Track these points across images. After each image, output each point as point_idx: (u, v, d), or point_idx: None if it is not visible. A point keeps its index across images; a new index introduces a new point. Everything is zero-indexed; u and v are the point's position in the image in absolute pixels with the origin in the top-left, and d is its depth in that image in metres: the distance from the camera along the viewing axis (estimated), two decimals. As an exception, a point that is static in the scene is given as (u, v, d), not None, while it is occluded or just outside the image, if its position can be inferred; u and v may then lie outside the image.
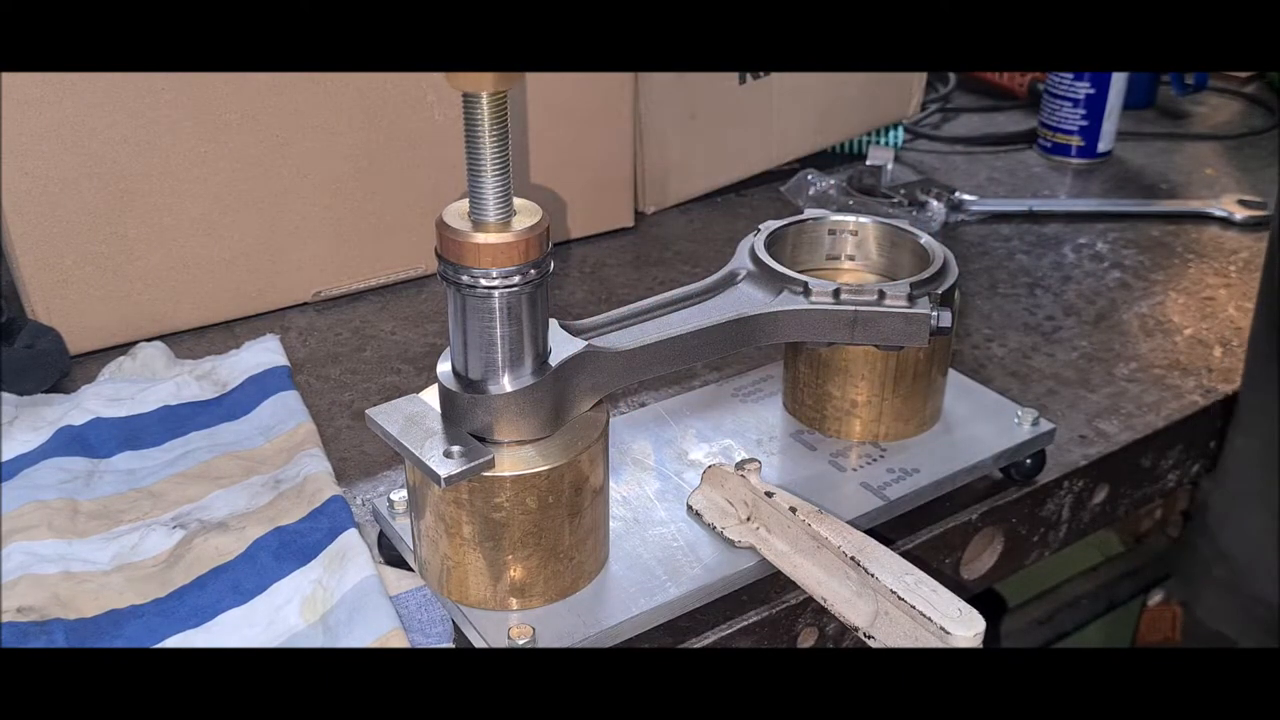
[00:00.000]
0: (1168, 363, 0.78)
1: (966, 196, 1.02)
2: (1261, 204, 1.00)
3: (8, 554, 0.56)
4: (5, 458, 0.63)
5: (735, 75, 0.99)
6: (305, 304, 0.85)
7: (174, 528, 0.58)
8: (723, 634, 0.55)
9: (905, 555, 0.51)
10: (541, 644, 0.50)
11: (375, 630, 0.51)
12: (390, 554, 0.58)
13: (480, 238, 0.46)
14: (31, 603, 0.53)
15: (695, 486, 0.59)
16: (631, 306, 0.56)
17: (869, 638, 0.50)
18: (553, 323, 0.52)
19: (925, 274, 0.58)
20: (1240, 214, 0.99)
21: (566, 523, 0.51)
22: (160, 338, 0.77)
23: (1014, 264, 0.93)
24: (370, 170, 0.82)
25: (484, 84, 0.44)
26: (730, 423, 0.65)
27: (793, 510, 0.53)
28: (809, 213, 0.67)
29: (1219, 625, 0.81)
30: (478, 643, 0.51)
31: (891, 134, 1.15)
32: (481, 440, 0.50)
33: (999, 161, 1.15)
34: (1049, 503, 0.67)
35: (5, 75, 0.68)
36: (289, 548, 0.56)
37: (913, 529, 0.61)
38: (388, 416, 0.51)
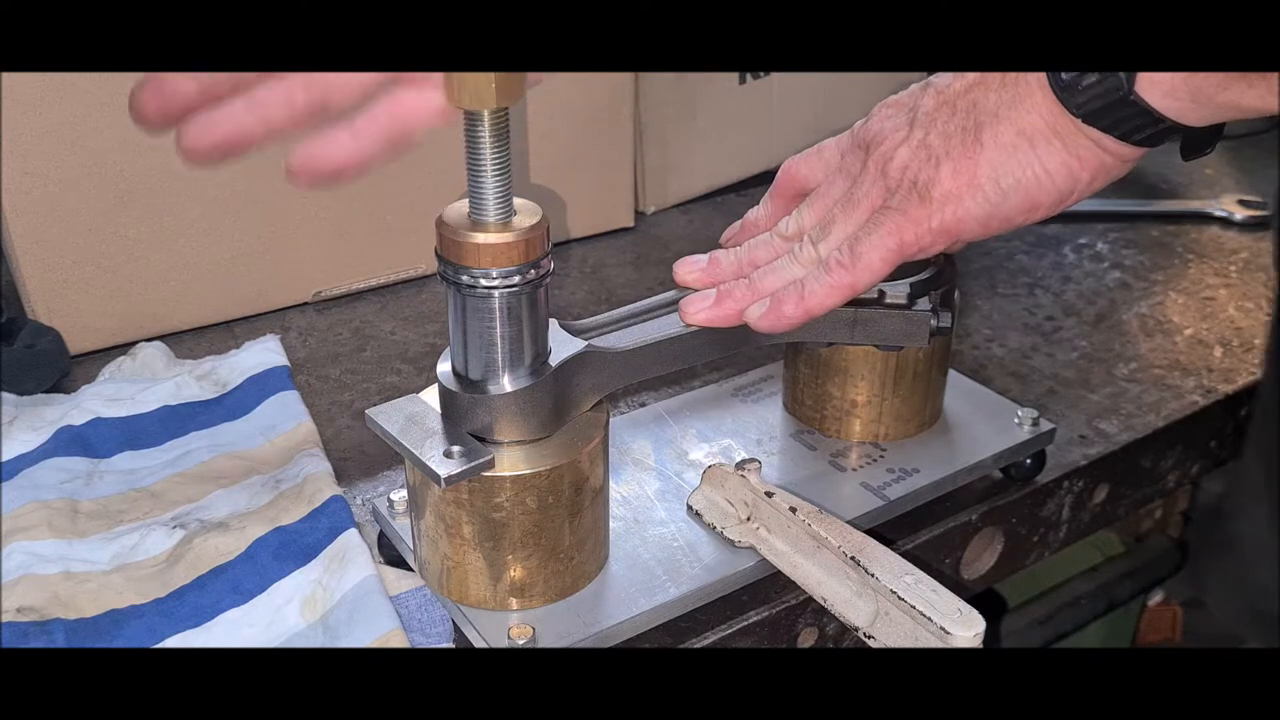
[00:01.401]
0: (1168, 363, 0.78)
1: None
2: (1262, 204, 1.00)
3: (8, 554, 0.56)
4: (5, 458, 0.63)
5: (735, 75, 0.99)
6: (305, 304, 0.85)
7: (174, 528, 0.58)
8: (723, 634, 0.55)
9: (905, 555, 0.51)
10: (541, 644, 0.50)
11: (375, 630, 0.51)
12: (390, 554, 0.58)
13: (480, 238, 0.46)
14: (31, 603, 0.53)
15: (695, 486, 0.59)
16: (631, 306, 0.56)
17: (869, 638, 0.50)
18: (553, 323, 0.52)
19: (925, 274, 0.58)
20: (1240, 214, 0.99)
21: (566, 523, 0.51)
22: (160, 338, 0.77)
23: (1014, 264, 0.93)
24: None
25: (486, 103, 0.44)
26: (730, 423, 0.65)
27: (793, 510, 0.53)
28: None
29: (1207, 592, 0.83)
30: (478, 643, 0.51)
31: (891, 134, 1.14)
32: (481, 440, 0.50)
33: (999, 161, 1.15)
34: (1049, 503, 0.67)
35: (5, 75, 0.68)
36: (289, 548, 0.56)
37: (913, 529, 0.61)
38: (388, 416, 0.51)
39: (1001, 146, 0.48)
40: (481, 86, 0.43)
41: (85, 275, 0.75)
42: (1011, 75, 0.48)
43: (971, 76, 0.50)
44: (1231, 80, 0.43)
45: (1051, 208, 0.49)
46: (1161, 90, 0.44)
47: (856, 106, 1.09)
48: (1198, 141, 0.47)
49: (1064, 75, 0.46)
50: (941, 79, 0.51)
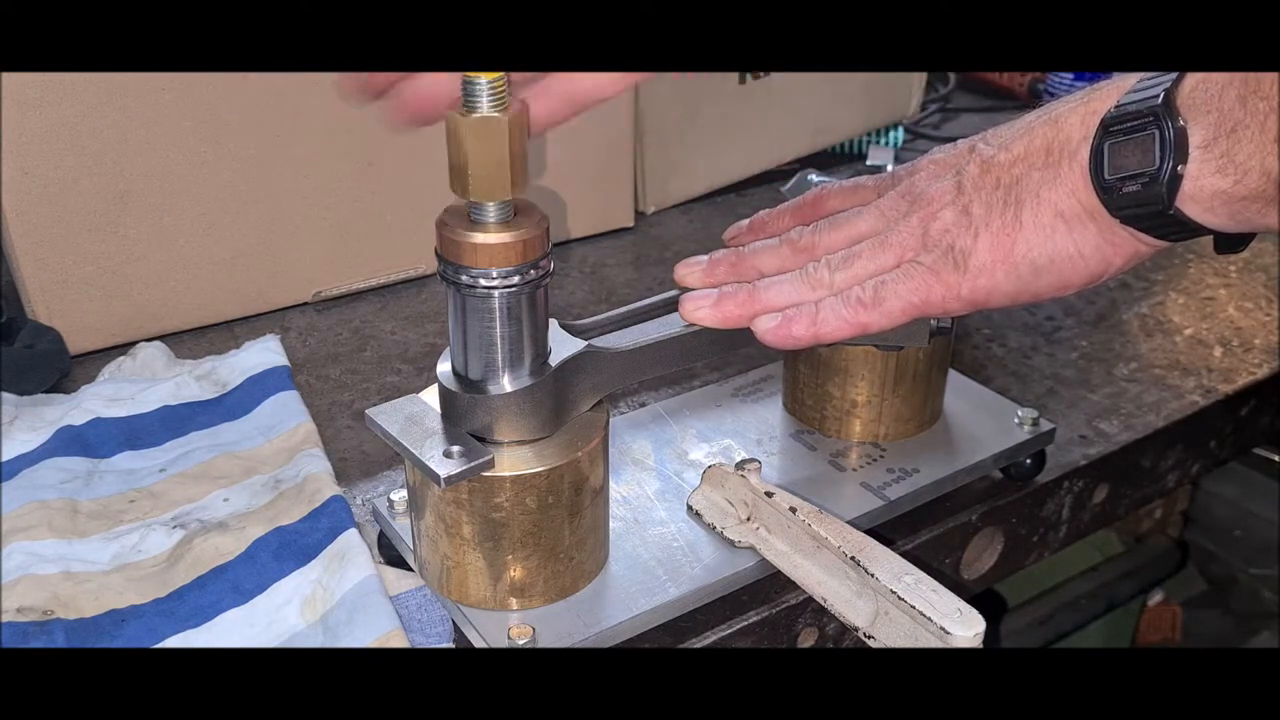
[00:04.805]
0: (1168, 363, 0.78)
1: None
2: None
3: (8, 554, 0.56)
4: (5, 458, 0.63)
5: (735, 75, 0.99)
6: (305, 304, 0.85)
7: (174, 528, 0.58)
8: (723, 634, 0.55)
9: (905, 555, 0.51)
10: (541, 644, 0.50)
11: (375, 630, 0.51)
12: (390, 554, 0.58)
13: (480, 238, 0.47)
14: (31, 603, 0.53)
15: (695, 486, 0.59)
16: (631, 306, 0.56)
17: (869, 638, 0.50)
18: (553, 323, 0.52)
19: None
20: (1240, 214, 0.99)
21: (566, 523, 0.51)
22: (160, 338, 0.77)
23: (1014, 264, 0.92)
24: (370, 170, 0.82)
25: (495, 196, 0.46)
26: (730, 423, 0.65)
27: (793, 510, 0.53)
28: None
29: None
30: (478, 643, 0.51)
31: (891, 134, 1.15)
32: (481, 440, 0.50)
33: (999, 161, 1.15)
34: (1049, 503, 0.67)
35: (5, 75, 0.68)
36: (289, 548, 0.56)
37: (913, 529, 0.61)
38: (387, 416, 0.51)
39: (1040, 227, 0.49)
40: (488, 184, 0.46)
41: (85, 275, 0.75)
42: (1055, 154, 0.49)
43: (1017, 150, 0.50)
44: (1270, 205, 0.43)
45: (1081, 286, 0.50)
46: (1201, 207, 0.45)
47: (856, 107, 1.10)
48: (1232, 241, 0.48)
49: (1106, 176, 0.47)
50: (986, 149, 0.52)
